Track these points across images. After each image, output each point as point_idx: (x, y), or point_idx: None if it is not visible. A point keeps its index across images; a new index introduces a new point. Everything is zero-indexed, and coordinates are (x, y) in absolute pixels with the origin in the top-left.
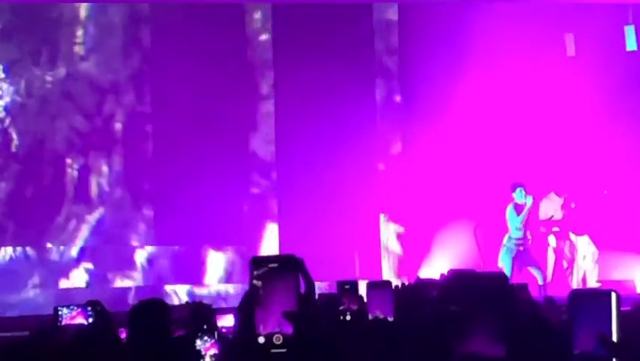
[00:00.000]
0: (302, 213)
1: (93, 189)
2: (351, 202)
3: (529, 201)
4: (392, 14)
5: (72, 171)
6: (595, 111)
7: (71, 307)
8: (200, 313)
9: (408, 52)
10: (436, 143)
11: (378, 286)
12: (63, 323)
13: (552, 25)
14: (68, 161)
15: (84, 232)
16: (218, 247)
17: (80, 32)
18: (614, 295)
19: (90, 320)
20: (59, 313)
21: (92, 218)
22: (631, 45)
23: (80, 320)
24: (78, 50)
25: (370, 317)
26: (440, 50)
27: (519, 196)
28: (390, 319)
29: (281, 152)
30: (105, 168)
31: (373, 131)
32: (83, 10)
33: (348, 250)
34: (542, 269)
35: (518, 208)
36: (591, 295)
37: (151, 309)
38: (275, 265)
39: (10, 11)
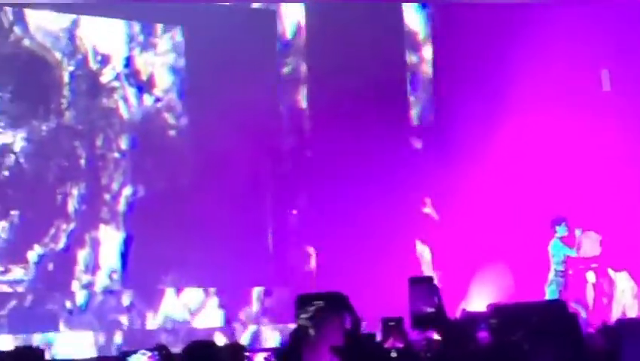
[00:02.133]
0: (338, 248)
1: None
2: (390, 239)
3: (578, 233)
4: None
5: None
6: (632, 147)
7: (142, 351)
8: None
9: (442, 87)
10: (473, 176)
11: (420, 281)
12: None
13: (588, 61)
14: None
15: None
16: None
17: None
18: None
19: None
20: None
21: None
22: None
23: None
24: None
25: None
26: (475, 87)
27: (562, 230)
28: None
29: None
30: None
31: (414, 163)
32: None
33: (385, 286)
34: (585, 304)
35: (566, 242)
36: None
37: (204, 348)
38: (320, 303)
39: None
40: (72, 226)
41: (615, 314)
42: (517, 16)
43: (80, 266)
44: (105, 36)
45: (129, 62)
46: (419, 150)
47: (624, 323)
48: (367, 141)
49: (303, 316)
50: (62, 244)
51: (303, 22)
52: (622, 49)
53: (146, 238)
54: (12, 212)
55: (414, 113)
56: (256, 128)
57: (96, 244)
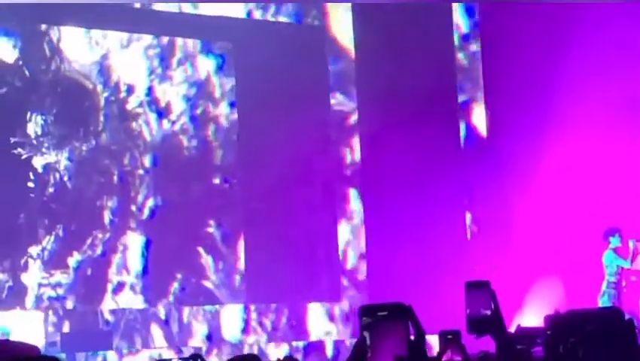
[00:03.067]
0: (391, 271)
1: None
2: (439, 255)
3: (632, 244)
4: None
5: None
6: None
7: (176, 359)
8: None
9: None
10: (526, 187)
11: (477, 285)
12: None
13: (636, 75)
14: None
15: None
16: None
17: None
18: None
19: None
20: None
21: None
22: None
23: None
24: None
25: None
26: (527, 96)
27: (616, 241)
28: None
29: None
30: None
31: (460, 176)
32: None
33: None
34: (638, 315)
35: (620, 253)
36: None
37: None
38: (384, 313)
39: None
40: (107, 235)
41: None
42: (572, 17)
43: (112, 269)
44: (129, 69)
45: (150, 91)
46: (471, 158)
47: None
48: (418, 152)
49: (366, 326)
50: (99, 250)
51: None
52: None
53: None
54: (57, 225)
55: (464, 122)
56: (306, 138)
57: (125, 249)
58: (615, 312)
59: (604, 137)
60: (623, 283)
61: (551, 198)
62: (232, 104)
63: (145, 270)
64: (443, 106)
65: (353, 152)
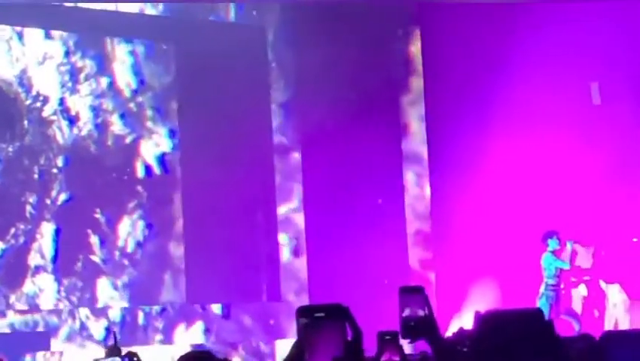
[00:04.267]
0: (330, 271)
1: None
2: (380, 252)
3: (570, 245)
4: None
5: None
6: (621, 159)
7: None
8: None
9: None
10: (465, 190)
11: (411, 290)
12: None
13: (577, 74)
14: None
15: None
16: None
17: None
18: None
19: None
20: None
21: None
22: None
23: None
24: None
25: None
26: (467, 98)
27: (554, 244)
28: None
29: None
30: None
31: (399, 176)
32: None
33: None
34: (577, 317)
35: (559, 255)
36: (625, 337)
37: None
38: (321, 314)
39: None
40: (29, 226)
41: (607, 327)
42: (506, 26)
43: (32, 255)
44: (44, 82)
45: (62, 101)
46: (412, 160)
47: (610, 335)
48: (359, 153)
49: (303, 327)
50: (21, 240)
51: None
52: (611, 62)
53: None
54: None
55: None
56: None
57: (41, 238)
58: (536, 313)
59: (544, 139)
60: (562, 285)
61: (490, 200)
62: (157, 110)
63: (56, 255)
64: (383, 107)
65: (294, 150)
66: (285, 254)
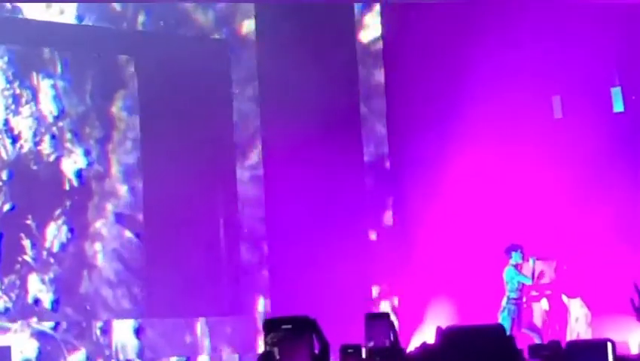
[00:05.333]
0: (293, 282)
1: None
2: (343, 270)
3: (532, 262)
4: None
5: None
6: (583, 173)
7: None
8: None
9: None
10: (428, 204)
11: (376, 317)
12: None
13: (539, 88)
14: None
15: None
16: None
17: None
18: (609, 345)
19: None
20: None
21: None
22: (618, 107)
23: None
24: None
25: (368, 345)
26: (429, 112)
27: (517, 258)
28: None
29: (271, 220)
30: None
31: (363, 197)
32: None
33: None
34: (538, 331)
35: (521, 269)
36: (588, 346)
37: None
38: (288, 326)
39: None
40: None
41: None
42: (471, 39)
43: None
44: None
45: (6, 122)
46: (374, 176)
47: (574, 345)
48: (320, 170)
49: (270, 340)
50: None
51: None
52: (573, 75)
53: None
54: None
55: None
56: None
57: None
58: (497, 328)
59: (506, 152)
60: (524, 299)
61: (453, 213)
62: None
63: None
64: (346, 118)
65: (258, 163)
66: (248, 265)
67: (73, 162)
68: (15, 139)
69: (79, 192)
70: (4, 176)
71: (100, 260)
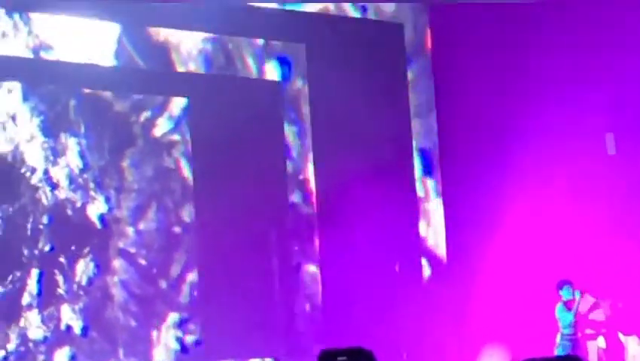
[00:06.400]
0: (347, 322)
1: None
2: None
3: (578, 295)
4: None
5: None
6: (637, 210)
7: None
8: None
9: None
10: (481, 243)
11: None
12: None
13: (592, 125)
14: None
15: None
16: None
17: None
18: None
19: None
20: None
21: None
22: None
23: None
24: None
25: None
26: (481, 147)
27: (567, 294)
28: None
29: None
30: None
31: (416, 221)
32: None
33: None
34: None
35: (568, 305)
36: None
37: None
38: (344, 358)
39: None
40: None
41: None
42: (523, 73)
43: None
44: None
45: (46, 171)
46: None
47: None
48: (376, 198)
49: None
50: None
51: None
52: (626, 113)
53: None
54: None
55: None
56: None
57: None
58: (573, 359)
59: (560, 188)
60: (579, 335)
61: (508, 249)
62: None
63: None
64: (399, 154)
65: (311, 203)
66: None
67: (96, 208)
68: (54, 187)
69: (101, 234)
70: (45, 220)
71: (118, 293)
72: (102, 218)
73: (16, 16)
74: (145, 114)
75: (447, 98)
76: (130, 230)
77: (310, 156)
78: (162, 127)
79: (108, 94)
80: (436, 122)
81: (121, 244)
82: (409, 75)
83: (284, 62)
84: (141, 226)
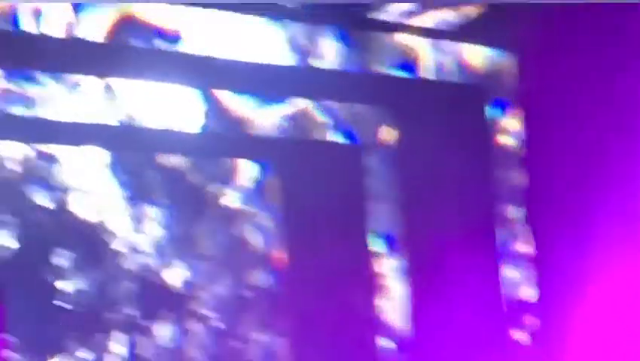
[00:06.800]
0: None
1: None
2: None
3: None
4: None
5: None
6: None
7: None
8: None
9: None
10: (574, 306)
11: None
12: None
13: None
14: None
15: None
16: None
17: None
18: None
19: None
20: None
21: None
22: None
23: None
24: None
25: None
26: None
27: None
28: None
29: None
30: None
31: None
32: None
33: None
34: None
35: None
36: None
37: None
38: None
39: None
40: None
41: None
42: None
43: None
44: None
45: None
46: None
47: None
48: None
49: None
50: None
51: None
52: None
53: None
54: None
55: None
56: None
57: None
58: None
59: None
60: None
61: (604, 310)
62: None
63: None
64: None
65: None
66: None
67: (176, 274)
68: (136, 253)
69: (181, 298)
70: (128, 285)
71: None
72: (182, 283)
73: (104, 81)
74: (223, 183)
75: None
76: (207, 295)
77: None
78: (241, 197)
79: (187, 162)
80: None
81: (200, 309)
82: None
83: None
84: (218, 290)
